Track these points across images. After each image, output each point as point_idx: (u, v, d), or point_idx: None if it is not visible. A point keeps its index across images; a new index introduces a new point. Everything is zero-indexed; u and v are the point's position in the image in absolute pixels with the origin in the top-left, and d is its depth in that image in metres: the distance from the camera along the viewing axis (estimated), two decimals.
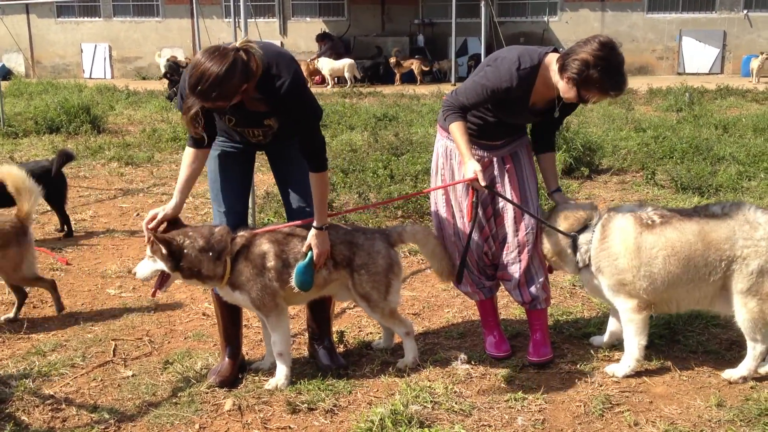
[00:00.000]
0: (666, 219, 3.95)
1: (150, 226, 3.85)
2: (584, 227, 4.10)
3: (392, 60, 22.13)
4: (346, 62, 20.99)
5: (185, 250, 3.85)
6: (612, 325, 4.36)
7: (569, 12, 24.32)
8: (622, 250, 3.94)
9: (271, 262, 3.95)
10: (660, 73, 23.53)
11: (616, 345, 4.33)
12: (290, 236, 4.03)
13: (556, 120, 4.18)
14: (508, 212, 4.20)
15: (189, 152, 3.89)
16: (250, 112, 3.81)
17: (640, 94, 17.53)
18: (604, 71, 3.64)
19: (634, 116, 13.45)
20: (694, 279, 3.88)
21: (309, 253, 3.91)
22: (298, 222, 4.05)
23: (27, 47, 26.99)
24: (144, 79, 24.65)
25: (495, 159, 4.22)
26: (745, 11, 23.01)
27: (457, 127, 3.99)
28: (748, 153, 9.57)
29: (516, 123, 4.18)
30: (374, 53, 23.71)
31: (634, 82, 19.28)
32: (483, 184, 3.90)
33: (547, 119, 4.13)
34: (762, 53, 20.53)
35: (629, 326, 4.01)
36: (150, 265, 3.91)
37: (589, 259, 4.06)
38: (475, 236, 4.19)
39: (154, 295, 4.03)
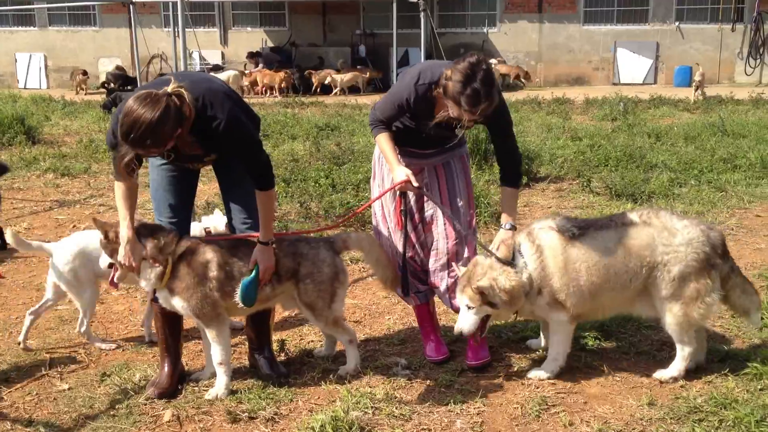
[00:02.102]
0: (583, 230, 4.02)
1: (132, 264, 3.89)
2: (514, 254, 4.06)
3: (307, 72, 22.42)
4: (229, 74, 21.07)
5: None
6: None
7: (508, 23, 24.74)
8: (554, 268, 3.98)
9: (213, 272, 3.94)
10: (596, 84, 24.09)
11: None
12: (234, 247, 4.02)
13: (504, 145, 4.15)
14: (438, 219, 4.25)
15: (121, 187, 3.83)
16: (188, 154, 3.85)
17: (577, 104, 17.91)
18: (461, 86, 3.69)
19: (571, 125, 13.75)
20: (615, 287, 3.99)
21: (255, 269, 3.91)
22: (245, 235, 4.06)
23: None
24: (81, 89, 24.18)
25: (426, 168, 4.27)
26: (676, 23, 23.74)
27: (381, 139, 4.11)
28: (679, 161, 9.87)
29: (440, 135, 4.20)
30: (316, 63, 23.77)
31: (571, 93, 19.73)
32: (416, 185, 4.00)
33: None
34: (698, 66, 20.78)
35: (558, 336, 4.09)
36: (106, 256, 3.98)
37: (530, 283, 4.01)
38: (400, 243, 4.26)
39: (111, 284, 4.05)
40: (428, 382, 4.13)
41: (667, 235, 3.94)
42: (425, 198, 4.30)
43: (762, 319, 4.36)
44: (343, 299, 4.23)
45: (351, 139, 12.13)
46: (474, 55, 3.76)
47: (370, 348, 4.63)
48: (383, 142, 4.12)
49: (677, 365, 4.07)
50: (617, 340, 4.57)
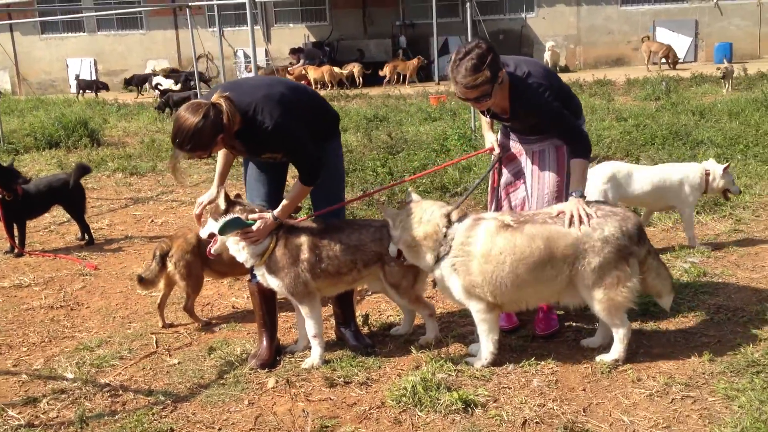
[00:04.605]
0: (520, 224, 4.15)
1: (196, 212, 4.43)
2: (461, 219, 4.25)
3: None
4: None
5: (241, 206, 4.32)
6: None
7: (546, 8, 24.89)
8: (478, 253, 4.11)
9: (305, 255, 4.35)
10: (636, 64, 24.12)
11: None
12: (325, 231, 4.43)
13: (557, 131, 4.40)
14: (527, 205, 4.69)
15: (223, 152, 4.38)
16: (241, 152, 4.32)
17: (619, 85, 18.05)
18: (452, 63, 4.16)
19: (615, 106, 13.96)
20: (541, 280, 4.17)
21: (250, 221, 4.26)
22: (324, 210, 4.52)
23: (12, 65, 27.24)
24: (131, 91, 24.91)
25: (524, 152, 4.66)
26: (715, 0, 23.64)
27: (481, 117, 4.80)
28: (724, 136, 10.07)
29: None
30: (357, 56, 24.18)
31: (612, 74, 19.84)
32: (497, 151, 4.72)
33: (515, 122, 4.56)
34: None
35: (482, 325, 4.24)
36: (208, 226, 4.37)
37: (449, 251, 4.18)
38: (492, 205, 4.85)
39: (208, 254, 4.46)
40: (503, 348, 4.47)
41: (589, 231, 4.12)
42: (515, 184, 4.76)
43: None
44: (425, 278, 4.63)
45: (400, 129, 12.50)
46: (474, 41, 4.15)
47: (446, 320, 5.02)
48: (481, 119, 4.87)
49: (617, 347, 4.24)
50: (676, 306, 4.87)
